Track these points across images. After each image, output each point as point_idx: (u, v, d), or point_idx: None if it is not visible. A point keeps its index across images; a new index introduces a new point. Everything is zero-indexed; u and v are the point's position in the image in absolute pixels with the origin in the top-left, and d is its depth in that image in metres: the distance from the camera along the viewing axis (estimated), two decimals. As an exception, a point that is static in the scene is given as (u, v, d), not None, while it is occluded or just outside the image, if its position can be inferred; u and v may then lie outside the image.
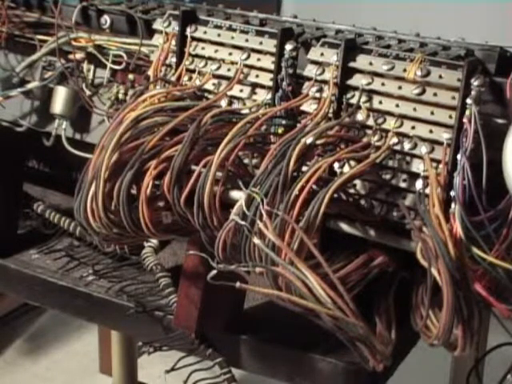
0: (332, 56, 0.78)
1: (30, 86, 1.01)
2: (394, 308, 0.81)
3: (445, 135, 0.72)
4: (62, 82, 0.99)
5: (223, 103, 0.84)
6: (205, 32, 0.86)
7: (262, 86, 0.83)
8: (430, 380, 1.87)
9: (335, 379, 0.84)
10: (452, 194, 0.70)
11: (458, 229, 0.67)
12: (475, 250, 0.67)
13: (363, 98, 0.76)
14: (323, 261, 0.68)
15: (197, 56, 0.87)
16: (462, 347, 0.68)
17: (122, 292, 0.98)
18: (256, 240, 0.69)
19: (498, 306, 0.68)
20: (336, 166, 0.76)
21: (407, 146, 0.74)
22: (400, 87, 0.75)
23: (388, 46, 0.79)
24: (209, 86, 0.86)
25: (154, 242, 1.04)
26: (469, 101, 0.70)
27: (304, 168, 0.72)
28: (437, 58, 0.75)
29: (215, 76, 0.86)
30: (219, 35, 0.85)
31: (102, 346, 2.00)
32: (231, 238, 0.73)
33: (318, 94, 0.78)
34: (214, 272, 0.71)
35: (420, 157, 0.74)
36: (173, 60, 0.88)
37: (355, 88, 0.77)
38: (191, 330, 0.89)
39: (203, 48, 0.87)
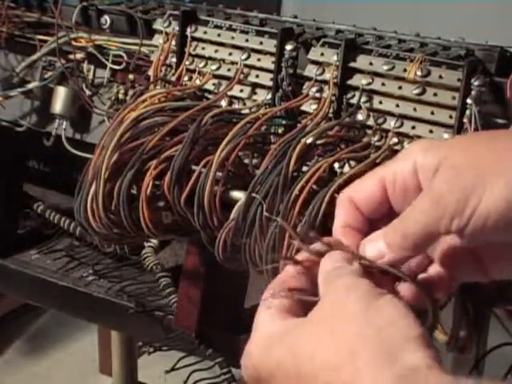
0: (332, 56, 0.78)
1: (30, 86, 1.01)
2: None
3: (445, 135, 0.72)
4: (62, 82, 0.99)
5: (223, 103, 0.84)
6: (205, 32, 0.86)
7: (262, 86, 0.83)
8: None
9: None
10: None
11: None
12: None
13: (363, 98, 0.76)
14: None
15: (197, 56, 0.87)
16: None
17: (122, 292, 0.98)
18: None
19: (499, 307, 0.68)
20: (336, 165, 0.76)
21: (407, 146, 0.74)
22: (400, 87, 0.75)
23: (388, 46, 0.79)
24: (209, 86, 0.86)
25: (154, 242, 1.04)
26: (469, 101, 0.70)
27: (304, 168, 0.72)
28: (437, 58, 0.75)
29: (215, 76, 0.86)
30: (219, 35, 0.85)
31: (102, 347, 2.00)
32: (231, 238, 0.73)
33: (318, 94, 0.78)
34: None
35: (420, 157, 0.73)
36: (173, 60, 0.88)
37: (355, 88, 0.77)
38: (191, 330, 0.89)
39: (203, 48, 0.87)
